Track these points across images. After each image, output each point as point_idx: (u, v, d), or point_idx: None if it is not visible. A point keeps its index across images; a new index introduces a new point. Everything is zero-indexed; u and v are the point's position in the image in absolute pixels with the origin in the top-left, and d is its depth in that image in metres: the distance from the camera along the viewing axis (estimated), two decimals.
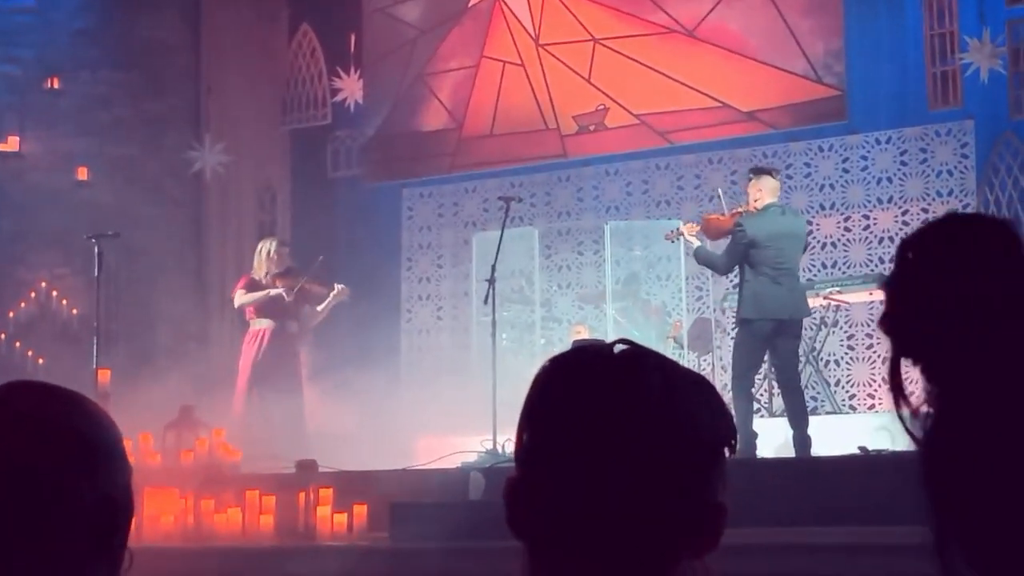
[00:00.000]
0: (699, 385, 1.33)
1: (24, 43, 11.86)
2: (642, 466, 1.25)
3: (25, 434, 1.32)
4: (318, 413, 9.49)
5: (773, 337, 7.98)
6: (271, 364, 9.45)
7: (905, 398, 1.15)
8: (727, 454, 1.30)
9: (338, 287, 9.63)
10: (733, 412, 7.01)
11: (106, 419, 1.39)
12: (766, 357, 8.46)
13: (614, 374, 1.29)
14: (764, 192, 8.12)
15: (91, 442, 1.35)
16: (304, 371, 9.78)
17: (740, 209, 8.29)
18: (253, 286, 9.58)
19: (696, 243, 8.43)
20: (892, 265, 1.14)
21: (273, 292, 9.46)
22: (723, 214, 8.48)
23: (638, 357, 1.31)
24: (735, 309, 9.65)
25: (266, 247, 9.69)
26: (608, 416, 1.26)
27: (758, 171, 8.38)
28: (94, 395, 8.29)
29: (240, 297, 9.60)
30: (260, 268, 9.62)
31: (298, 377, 9.60)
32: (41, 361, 11.00)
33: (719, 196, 8.97)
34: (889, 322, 1.23)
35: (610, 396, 1.27)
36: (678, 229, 8.72)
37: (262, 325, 9.54)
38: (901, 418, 1.19)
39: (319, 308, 9.71)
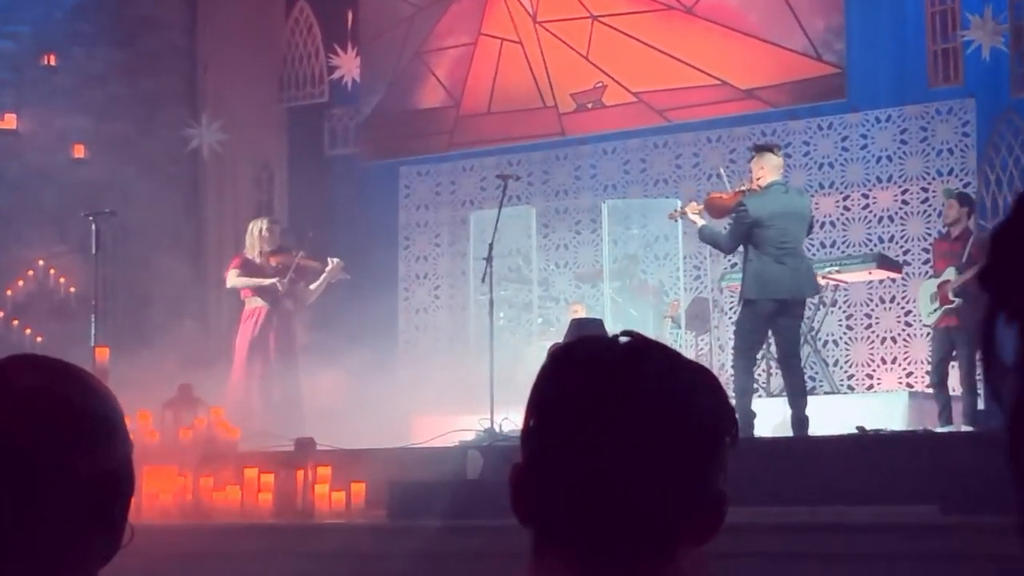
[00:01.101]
0: (701, 374, 1.35)
1: (20, 19, 11.80)
2: (644, 454, 1.27)
3: (25, 408, 1.31)
4: (316, 391, 9.47)
5: (775, 316, 7.95)
6: (267, 342, 9.45)
7: (998, 360, 1.12)
8: (729, 443, 1.32)
9: (332, 261, 9.60)
10: (733, 390, 7.04)
11: (106, 393, 1.38)
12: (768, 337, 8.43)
13: (617, 364, 1.31)
14: (767, 170, 8.05)
15: (91, 416, 1.34)
16: (299, 348, 9.76)
17: (743, 188, 8.22)
18: (246, 266, 9.56)
19: (700, 222, 8.36)
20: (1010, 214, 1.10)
21: (267, 282, 9.45)
22: (726, 193, 8.43)
23: (641, 347, 1.33)
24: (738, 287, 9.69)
25: (258, 226, 9.67)
26: (611, 404, 1.28)
27: (760, 149, 8.31)
28: (93, 372, 8.28)
29: (232, 279, 9.58)
30: (253, 247, 9.60)
31: (294, 355, 9.59)
32: (39, 339, 10.98)
33: (722, 175, 8.91)
34: (990, 276, 1.19)
35: (613, 385, 1.29)
36: (681, 208, 8.66)
37: (257, 303, 9.53)
38: (990, 383, 1.16)
39: (313, 286, 9.69)
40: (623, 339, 1.33)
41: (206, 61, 12.29)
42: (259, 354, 9.41)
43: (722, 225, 8.55)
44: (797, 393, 7.91)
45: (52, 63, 11.72)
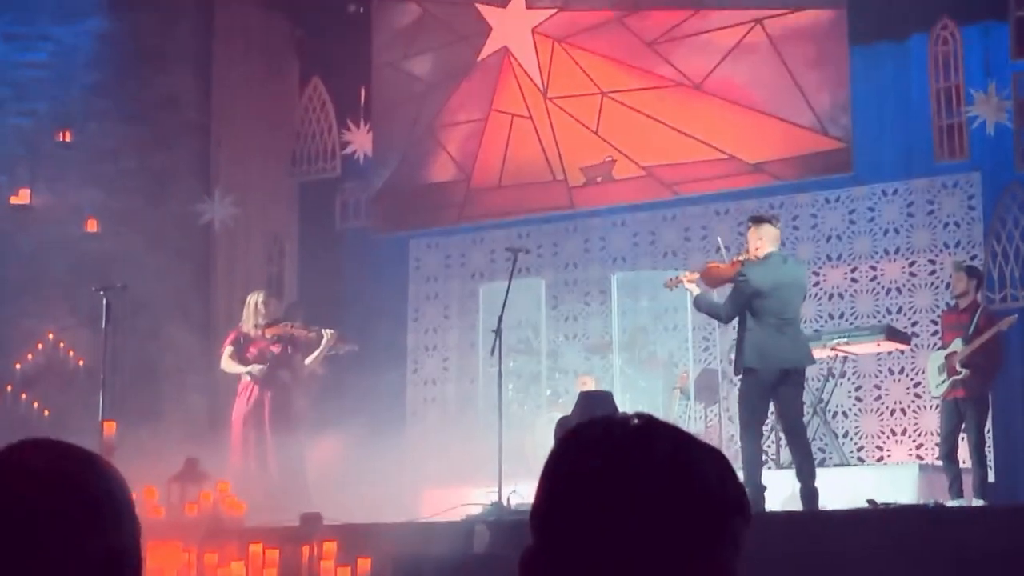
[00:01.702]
0: (712, 455, 1.36)
1: (37, 96, 11.96)
2: (652, 533, 1.27)
3: (38, 491, 1.35)
4: (323, 463, 9.46)
5: (777, 386, 7.93)
6: (262, 415, 9.44)
7: None
8: (742, 523, 1.33)
9: (327, 333, 9.61)
10: (741, 463, 7.01)
11: (116, 476, 1.43)
12: (771, 407, 8.41)
13: (628, 445, 1.31)
14: (765, 240, 8.08)
15: (102, 499, 1.38)
16: (299, 420, 9.74)
17: (741, 258, 8.24)
18: (239, 342, 9.61)
19: (695, 291, 8.37)
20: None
21: (244, 370, 9.51)
22: (724, 263, 8.45)
23: (652, 428, 1.34)
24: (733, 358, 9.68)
25: (254, 299, 9.72)
26: (622, 486, 1.28)
27: (758, 220, 8.34)
28: (100, 447, 8.30)
29: (224, 362, 9.68)
30: (248, 320, 9.65)
31: (290, 426, 9.56)
32: (47, 413, 10.99)
33: (721, 248, 8.94)
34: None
35: (624, 466, 1.29)
36: (677, 277, 8.67)
37: (252, 376, 9.54)
38: None
39: (308, 360, 9.68)
40: (634, 420, 1.34)
41: (219, 136, 12.43)
42: (254, 427, 9.41)
43: (716, 294, 8.56)
44: (805, 463, 7.87)
45: (67, 139, 11.86)
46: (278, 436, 9.33)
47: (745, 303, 7.94)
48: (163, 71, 12.16)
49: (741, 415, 8.10)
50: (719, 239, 9.10)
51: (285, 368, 9.57)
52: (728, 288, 8.36)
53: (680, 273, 8.72)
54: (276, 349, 9.55)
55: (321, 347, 9.61)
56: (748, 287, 7.88)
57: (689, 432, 1.37)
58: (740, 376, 8.30)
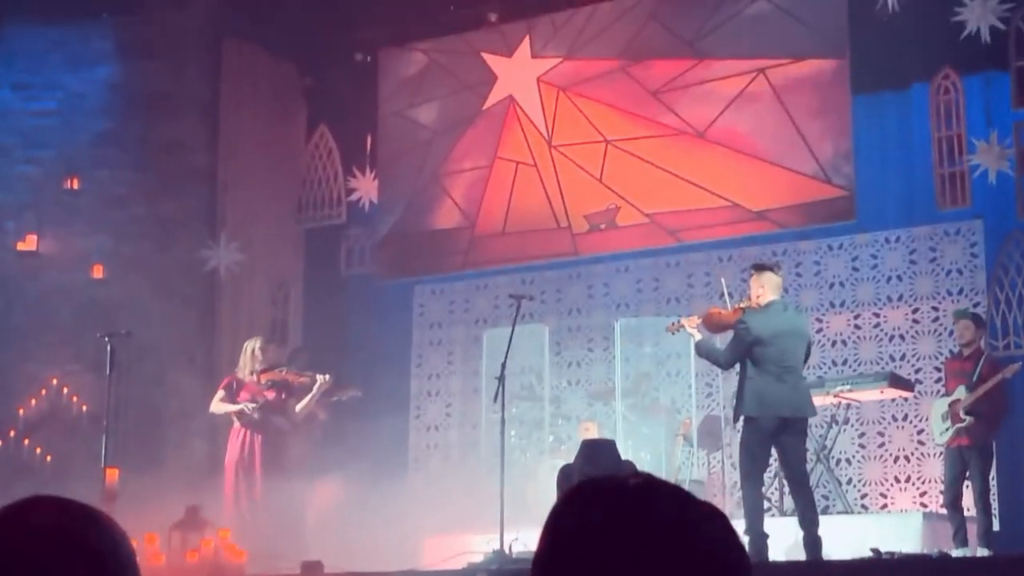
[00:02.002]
0: (713, 515, 1.36)
1: (45, 144, 12.06)
2: None
3: (42, 547, 1.37)
4: (324, 510, 9.44)
5: (778, 434, 7.90)
6: (253, 461, 9.41)
7: None
8: None
9: (320, 377, 9.60)
10: (743, 512, 6.97)
11: (119, 533, 1.45)
12: (773, 455, 8.38)
13: (631, 502, 1.32)
14: (767, 289, 8.10)
15: (105, 556, 1.40)
16: (293, 466, 9.71)
17: (743, 305, 8.25)
18: (232, 387, 9.61)
19: (697, 336, 8.37)
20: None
21: (235, 408, 9.48)
22: (726, 309, 8.46)
23: (654, 487, 1.34)
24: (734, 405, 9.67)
25: (251, 346, 9.73)
26: (623, 543, 1.29)
27: (760, 268, 8.36)
28: (101, 494, 8.30)
29: (213, 404, 9.66)
30: (245, 367, 9.66)
31: (283, 472, 9.53)
32: (49, 458, 10.99)
33: (724, 293, 8.95)
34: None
35: (626, 523, 1.30)
36: (679, 321, 8.66)
37: (244, 423, 9.52)
38: None
39: (300, 406, 9.66)
40: (636, 478, 1.35)
41: (226, 183, 12.50)
42: (246, 473, 9.38)
43: (718, 340, 8.57)
44: (808, 512, 7.84)
45: (75, 186, 11.95)
46: (270, 482, 9.29)
47: (745, 350, 7.94)
48: (171, 118, 12.26)
49: (742, 463, 8.08)
50: (723, 282, 9.11)
51: (279, 414, 9.55)
52: (730, 334, 8.37)
53: (682, 318, 8.71)
54: (270, 395, 9.54)
55: (313, 392, 9.59)
56: (748, 335, 7.89)
57: (689, 492, 1.38)
58: (738, 424, 8.28)
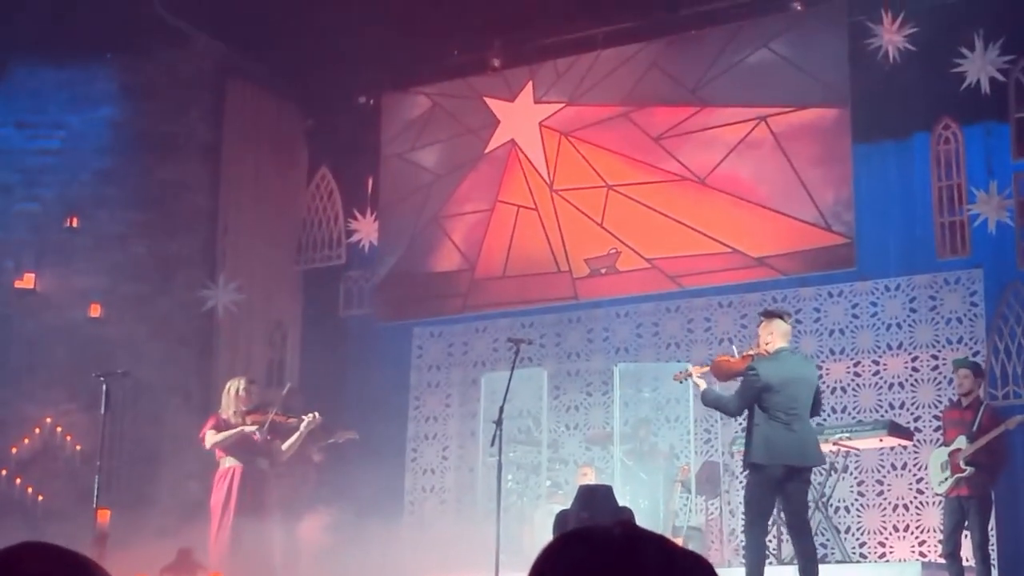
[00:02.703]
0: (696, 566, 1.35)
1: (46, 183, 12.07)
2: None
3: None
4: (318, 551, 9.36)
5: (784, 482, 7.85)
6: (241, 504, 9.31)
7: None
8: None
9: (307, 417, 9.51)
10: (744, 561, 6.89)
11: None
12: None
13: (612, 556, 1.30)
14: (775, 336, 8.07)
15: None
16: (277, 507, 9.61)
17: (751, 352, 8.21)
18: (221, 426, 9.48)
19: (703, 385, 8.33)
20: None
21: (248, 429, 9.36)
22: (734, 357, 8.42)
23: (636, 539, 1.33)
24: (743, 452, 9.64)
25: (235, 386, 9.60)
26: None
27: (769, 314, 8.31)
28: (93, 535, 8.23)
29: (211, 438, 9.47)
30: (228, 407, 9.50)
31: (265, 514, 9.43)
32: (41, 498, 10.92)
33: (732, 346, 8.89)
34: None
35: (613, 572, 1.29)
36: (687, 370, 8.62)
37: (231, 463, 9.39)
38: None
39: (285, 445, 9.57)
40: (619, 529, 1.34)
41: (226, 223, 12.51)
42: (233, 515, 9.28)
43: (725, 389, 8.54)
44: (810, 565, 7.77)
45: (75, 225, 11.95)
46: (251, 524, 9.16)
47: (754, 397, 7.89)
48: (172, 158, 12.30)
49: (747, 511, 8.01)
50: (732, 343, 9.06)
51: (263, 456, 9.44)
52: (733, 383, 8.33)
53: (690, 367, 8.68)
54: (256, 436, 9.43)
55: (299, 432, 9.50)
56: (758, 381, 7.84)
57: (675, 543, 1.36)
58: (746, 471, 8.23)
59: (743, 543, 10.59)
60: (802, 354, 8.89)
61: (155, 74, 12.34)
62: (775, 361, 7.97)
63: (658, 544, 1.33)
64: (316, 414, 9.46)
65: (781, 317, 8.26)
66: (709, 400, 8.35)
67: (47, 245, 11.88)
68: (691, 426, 10.97)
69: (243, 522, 9.07)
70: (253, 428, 9.28)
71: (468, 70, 12.61)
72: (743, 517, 8.38)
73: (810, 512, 9.87)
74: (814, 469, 10.23)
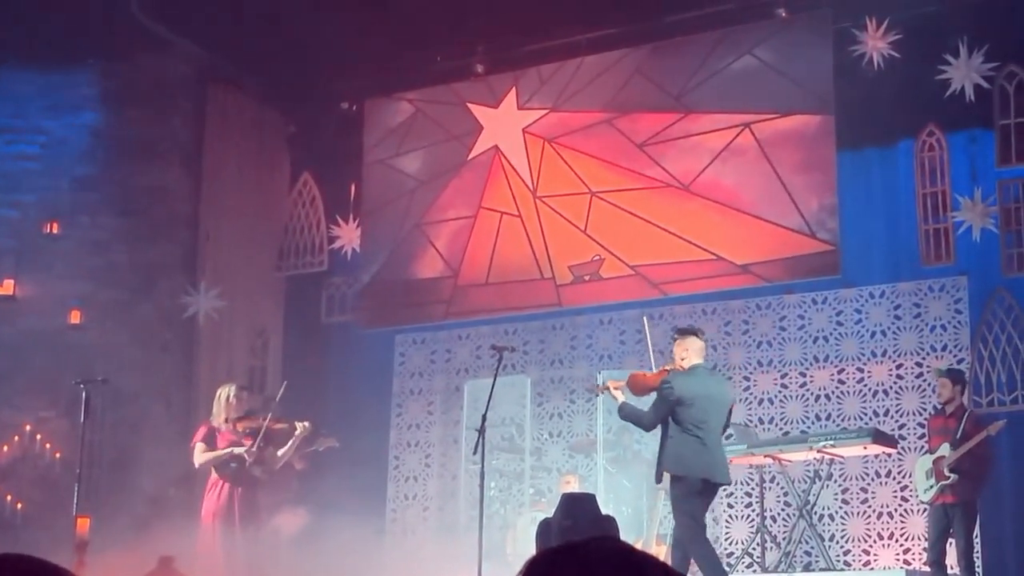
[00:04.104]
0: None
1: (27, 188, 11.99)
2: None
3: None
4: (298, 561, 9.29)
5: (700, 494, 8.00)
6: (232, 512, 9.24)
7: None
8: None
9: (300, 425, 9.47)
10: (702, 569, 6.93)
11: None
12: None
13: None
14: (691, 352, 8.22)
15: None
16: (269, 516, 9.56)
17: (667, 367, 8.37)
18: (210, 436, 9.42)
19: (621, 398, 8.44)
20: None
21: (237, 451, 9.30)
22: (650, 372, 8.51)
23: (643, 563, 1.32)
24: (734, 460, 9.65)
25: (225, 392, 9.57)
26: None
27: (684, 332, 8.48)
28: (73, 543, 8.16)
29: (199, 456, 9.39)
30: (219, 414, 9.47)
31: (259, 523, 9.37)
32: (20, 506, 10.82)
33: (649, 356, 8.93)
34: None
35: None
36: (604, 384, 8.76)
37: (223, 472, 9.35)
38: None
39: (280, 452, 9.53)
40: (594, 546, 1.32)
41: (208, 230, 12.43)
42: (224, 523, 9.21)
43: (641, 403, 8.61)
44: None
45: (55, 231, 11.86)
46: (248, 532, 9.13)
47: (668, 411, 8.04)
48: (153, 164, 12.22)
49: (679, 522, 8.03)
50: (649, 344, 9.11)
51: (256, 463, 9.39)
52: (648, 398, 8.42)
53: (608, 380, 8.80)
54: (248, 443, 9.37)
55: (292, 440, 9.45)
56: (672, 395, 8.00)
57: (642, 554, 1.34)
58: (660, 484, 8.31)
59: (726, 551, 10.59)
60: (719, 372, 8.94)
61: (136, 80, 12.26)
62: (689, 376, 8.11)
63: (662, 568, 1.33)
64: (307, 423, 9.44)
65: (696, 334, 8.42)
66: (625, 413, 8.47)
67: (27, 251, 11.79)
68: None
69: (234, 530, 9.02)
70: (242, 451, 9.23)
71: (451, 76, 12.57)
72: (672, 532, 8.37)
73: (794, 520, 9.86)
74: (798, 476, 10.27)
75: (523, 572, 1.35)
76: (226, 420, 9.43)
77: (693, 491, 7.93)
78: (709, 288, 11.37)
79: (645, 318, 9.35)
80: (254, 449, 9.25)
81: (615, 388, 8.49)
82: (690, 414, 7.97)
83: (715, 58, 11.41)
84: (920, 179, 10.87)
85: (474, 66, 12.36)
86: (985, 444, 9.05)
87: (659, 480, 8.23)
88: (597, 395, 8.88)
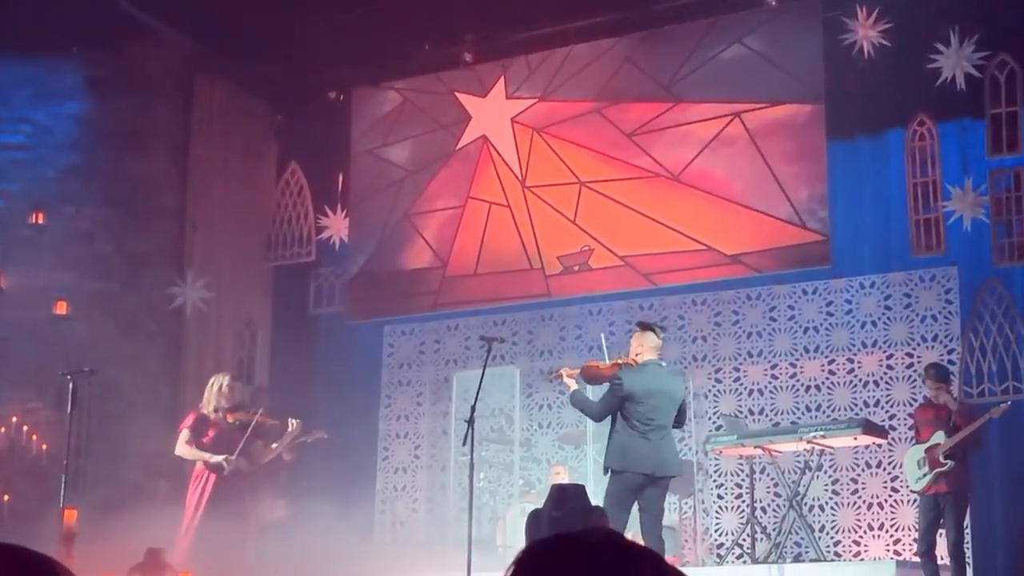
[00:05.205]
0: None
1: (11, 178, 11.89)
2: None
3: None
4: (287, 551, 9.23)
5: (643, 488, 8.02)
6: (216, 504, 9.20)
7: None
8: None
9: (293, 423, 9.46)
10: None
11: None
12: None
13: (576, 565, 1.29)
14: (645, 347, 8.26)
15: None
16: (253, 507, 9.51)
17: (620, 360, 8.38)
18: (199, 424, 9.38)
19: (573, 386, 8.49)
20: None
21: (213, 459, 9.26)
22: (604, 363, 8.54)
23: (635, 553, 1.31)
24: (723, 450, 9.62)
25: (218, 381, 9.55)
26: None
27: (643, 326, 8.50)
28: (60, 534, 8.09)
29: (182, 445, 9.36)
30: (209, 403, 9.45)
31: (245, 516, 9.33)
32: (7, 498, 10.74)
33: (603, 346, 8.97)
34: None
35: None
36: (559, 371, 8.80)
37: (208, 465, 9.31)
38: None
39: (274, 446, 9.49)
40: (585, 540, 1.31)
41: (195, 220, 12.35)
42: (202, 514, 9.16)
43: (595, 392, 8.62)
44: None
45: (40, 221, 11.77)
46: (231, 523, 9.07)
47: (616, 405, 8.09)
48: (140, 154, 12.13)
49: (607, 515, 8.03)
50: (602, 336, 9.12)
51: (243, 456, 9.35)
52: (601, 388, 8.51)
53: (562, 368, 8.85)
54: (237, 436, 9.33)
55: (284, 437, 9.43)
56: (621, 390, 8.04)
57: (635, 542, 1.34)
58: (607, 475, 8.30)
59: (716, 542, 10.56)
60: (673, 369, 8.94)
61: (122, 69, 12.16)
62: (641, 372, 8.15)
63: (654, 559, 1.32)
64: (298, 421, 9.41)
65: (653, 330, 8.46)
66: (576, 402, 8.55)
67: (12, 242, 11.70)
68: None
69: (216, 522, 8.96)
70: (220, 459, 9.18)
71: (439, 65, 12.50)
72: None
73: (784, 511, 9.83)
74: (788, 467, 10.24)
75: (515, 563, 1.33)
76: (216, 409, 9.38)
77: (632, 486, 7.97)
78: (699, 279, 11.33)
79: (603, 335, 9.31)
80: (233, 457, 9.21)
81: (568, 376, 8.55)
82: (637, 410, 8.02)
83: (705, 47, 11.36)
84: (911, 169, 10.84)
85: (462, 55, 12.29)
86: (980, 430, 9.06)
87: (605, 472, 8.27)
88: (551, 381, 8.90)
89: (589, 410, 8.48)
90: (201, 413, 9.45)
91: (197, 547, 9.08)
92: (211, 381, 9.62)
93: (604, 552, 1.29)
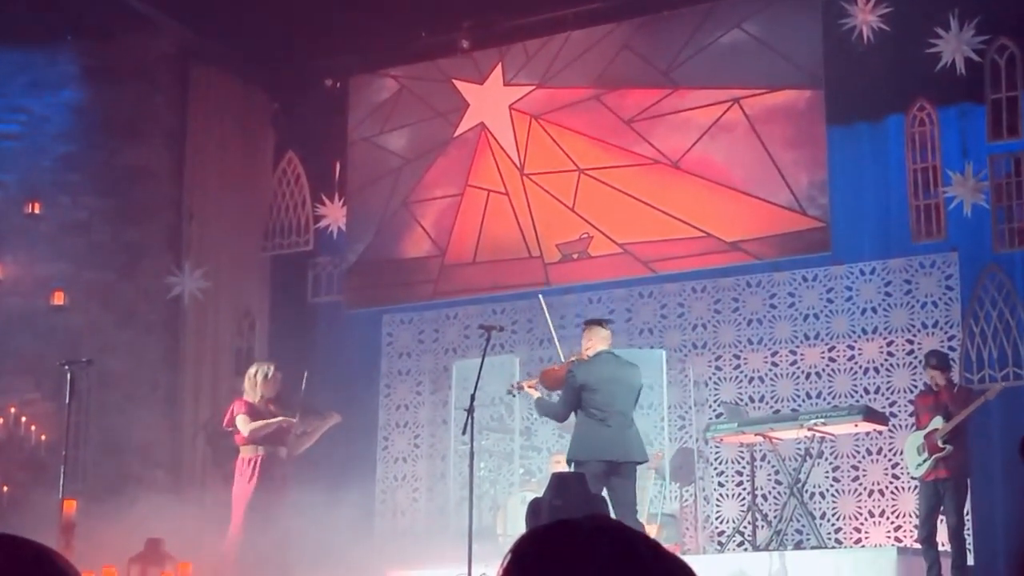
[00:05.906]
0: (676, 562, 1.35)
1: (7, 167, 11.86)
2: None
3: None
4: (287, 541, 9.22)
5: (608, 477, 8.12)
6: (264, 492, 9.24)
7: None
8: None
9: (332, 415, 9.62)
10: None
11: (71, 572, 1.40)
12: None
13: (577, 550, 1.30)
14: (595, 340, 8.56)
15: None
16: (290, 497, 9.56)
17: (573, 358, 8.63)
18: (254, 412, 9.41)
19: (536, 395, 8.76)
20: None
21: (285, 421, 9.35)
22: (558, 365, 8.78)
23: (602, 532, 1.32)
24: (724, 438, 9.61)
25: (263, 370, 9.62)
26: None
27: (590, 323, 8.84)
28: (59, 525, 8.08)
29: (247, 425, 9.35)
30: (254, 392, 9.49)
31: (285, 505, 9.37)
32: (6, 489, 10.73)
33: (555, 344, 9.21)
34: None
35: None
36: (518, 383, 9.07)
37: (253, 452, 9.33)
38: None
39: (309, 431, 9.61)
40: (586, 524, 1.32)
41: (192, 209, 12.32)
42: (256, 504, 9.17)
43: (557, 396, 8.78)
44: None
45: (36, 211, 11.74)
46: (275, 514, 9.10)
47: (575, 398, 8.31)
48: (136, 143, 12.09)
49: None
50: (555, 337, 9.31)
51: (283, 445, 9.48)
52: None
53: (522, 380, 9.15)
54: (292, 426, 9.45)
55: (323, 426, 9.62)
56: (575, 382, 8.30)
57: (634, 529, 1.34)
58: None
59: (716, 530, 10.54)
60: (627, 360, 8.93)
61: (118, 58, 12.12)
62: (593, 363, 8.42)
63: (650, 543, 1.32)
64: (337, 414, 9.54)
65: (601, 324, 8.80)
66: (542, 409, 8.81)
67: (8, 232, 11.67)
68: (664, 413, 10.89)
69: (260, 510, 9.00)
70: (293, 420, 9.27)
71: (436, 52, 12.45)
72: None
73: (785, 498, 9.82)
74: (789, 455, 10.21)
75: (515, 548, 1.35)
76: (261, 398, 9.45)
77: (596, 473, 8.06)
78: (698, 266, 11.30)
79: (541, 296, 9.44)
80: (296, 420, 9.31)
81: (529, 386, 8.85)
82: (594, 399, 8.22)
83: (703, 32, 11.31)
84: (911, 154, 10.80)
85: (459, 42, 12.23)
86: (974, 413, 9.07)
87: (570, 465, 8.34)
88: (513, 395, 9.18)
89: (553, 412, 8.66)
90: (249, 402, 9.47)
91: (244, 537, 9.06)
92: (251, 371, 9.65)
93: (604, 537, 1.30)
